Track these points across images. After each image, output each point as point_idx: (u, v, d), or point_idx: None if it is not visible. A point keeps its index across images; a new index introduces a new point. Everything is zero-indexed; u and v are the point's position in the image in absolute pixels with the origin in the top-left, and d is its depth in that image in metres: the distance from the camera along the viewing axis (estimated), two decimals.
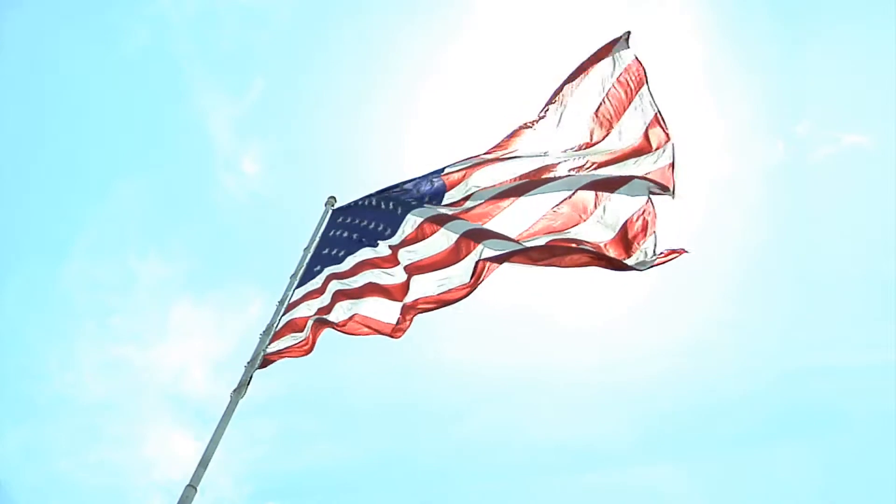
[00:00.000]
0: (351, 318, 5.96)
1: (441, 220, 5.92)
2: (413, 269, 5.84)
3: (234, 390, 5.37)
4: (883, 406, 17.05)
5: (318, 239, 6.57)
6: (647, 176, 5.67)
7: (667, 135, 5.80)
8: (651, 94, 5.96)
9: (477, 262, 5.58)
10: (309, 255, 6.44)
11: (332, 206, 6.85)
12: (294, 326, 5.94)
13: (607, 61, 6.16)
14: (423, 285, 5.81)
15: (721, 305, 21.22)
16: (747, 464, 18.98)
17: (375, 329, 5.91)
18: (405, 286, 5.85)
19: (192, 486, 4.71)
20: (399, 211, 6.17)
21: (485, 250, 5.53)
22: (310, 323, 5.93)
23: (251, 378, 5.50)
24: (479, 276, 5.62)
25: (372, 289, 5.98)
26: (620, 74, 6.09)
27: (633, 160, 5.85)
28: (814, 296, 21.52)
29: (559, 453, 20.53)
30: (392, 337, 5.85)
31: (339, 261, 6.22)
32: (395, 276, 5.94)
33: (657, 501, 18.91)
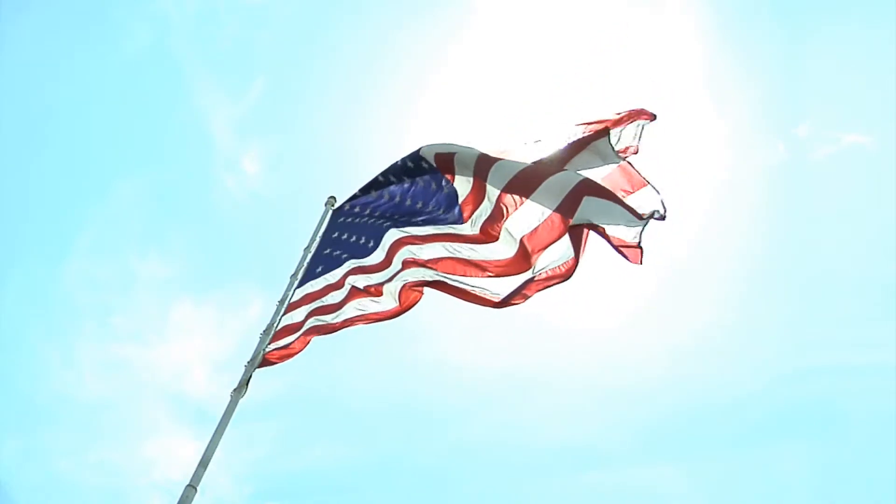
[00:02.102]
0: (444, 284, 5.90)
1: (523, 188, 5.56)
2: (526, 243, 5.56)
3: (235, 390, 5.38)
4: (883, 406, 17.02)
5: (318, 239, 6.58)
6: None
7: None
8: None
9: (580, 231, 5.25)
10: (310, 256, 6.45)
11: (332, 206, 6.86)
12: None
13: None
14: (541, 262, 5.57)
15: (721, 306, 21.19)
16: (747, 464, 18.94)
17: (475, 299, 5.78)
18: (521, 259, 5.59)
19: (192, 486, 4.71)
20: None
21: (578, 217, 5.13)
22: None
23: (251, 377, 5.51)
24: (582, 246, 5.33)
25: (462, 264, 5.85)
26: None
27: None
28: (814, 296, 21.48)
29: (559, 454, 20.51)
30: (497, 307, 5.67)
31: (411, 223, 6.12)
32: (495, 251, 5.76)
33: (657, 501, 18.89)
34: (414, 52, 23.90)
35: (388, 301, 6.00)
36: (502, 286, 5.68)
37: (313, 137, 24.85)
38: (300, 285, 6.19)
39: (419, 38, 23.97)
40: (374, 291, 6.03)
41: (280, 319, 5.93)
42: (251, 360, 5.61)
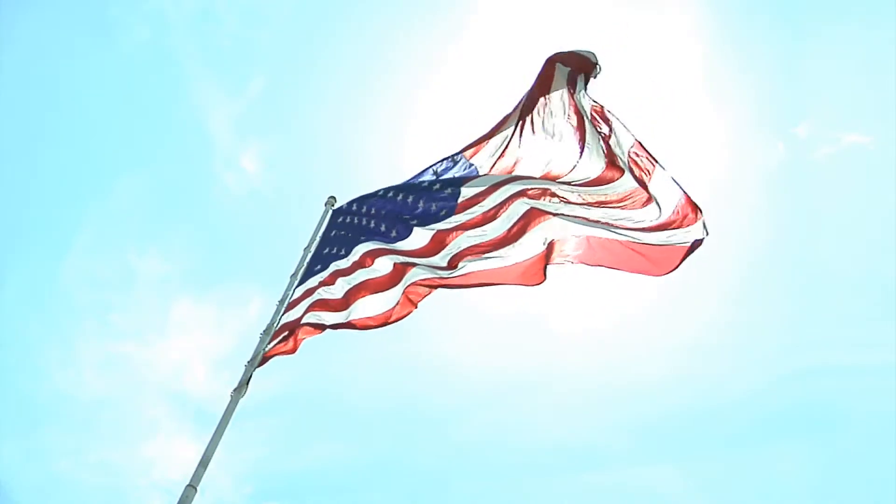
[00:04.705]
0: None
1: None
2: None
3: (235, 389, 5.37)
4: (883, 406, 17.05)
5: (318, 239, 6.58)
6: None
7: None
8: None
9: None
10: (309, 255, 6.45)
11: (332, 206, 6.86)
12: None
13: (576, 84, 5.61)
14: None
15: (721, 306, 21.19)
16: (747, 464, 18.97)
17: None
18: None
19: (192, 486, 4.70)
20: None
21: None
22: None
23: (251, 377, 5.50)
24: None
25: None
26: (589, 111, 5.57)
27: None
28: (814, 296, 21.50)
29: (558, 454, 20.52)
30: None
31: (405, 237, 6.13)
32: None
33: (656, 501, 18.91)
34: (414, 51, 23.90)
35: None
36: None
37: (313, 136, 24.85)
38: (300, 284, 6.20)
39: (419, 39, 23.96)
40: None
41: (280, 319, 5.93)
42: (251, 359, 5.60)
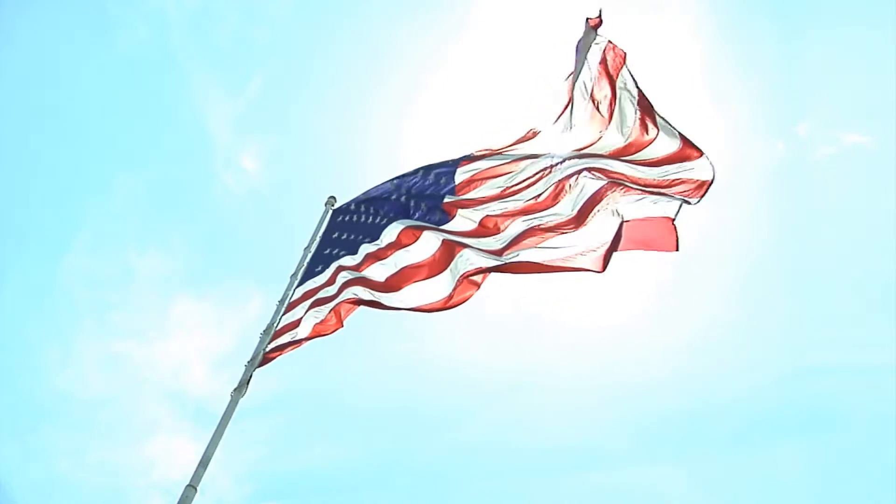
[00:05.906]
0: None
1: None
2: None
3: (235, 389, 5.37)
4: (883, 406, 17.04)
5: (318, 239, 6.58)
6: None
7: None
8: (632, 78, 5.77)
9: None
10: (310, 255, 6.45)
11: (332, 206, 6.86)
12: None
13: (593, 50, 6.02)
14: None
15: (721, 306, 21.18)
16: (747, 464, 18.97)
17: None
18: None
19: (192, 486, 4.70)
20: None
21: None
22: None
23: (251, 377, 5.50)
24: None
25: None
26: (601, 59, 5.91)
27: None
28: (814, 295, 21.49)
29: (559, 454, 20.51)
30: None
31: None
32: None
33: (657, 501, 18.90)
34: (414, 51, 23.90)
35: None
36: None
37: (312, 135, 24.84)
38: (300, 285, 6.19)
39: (419, 38, 23.96)
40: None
41: (280, 319, 5.93)
42: (251, 359, 5.60)
